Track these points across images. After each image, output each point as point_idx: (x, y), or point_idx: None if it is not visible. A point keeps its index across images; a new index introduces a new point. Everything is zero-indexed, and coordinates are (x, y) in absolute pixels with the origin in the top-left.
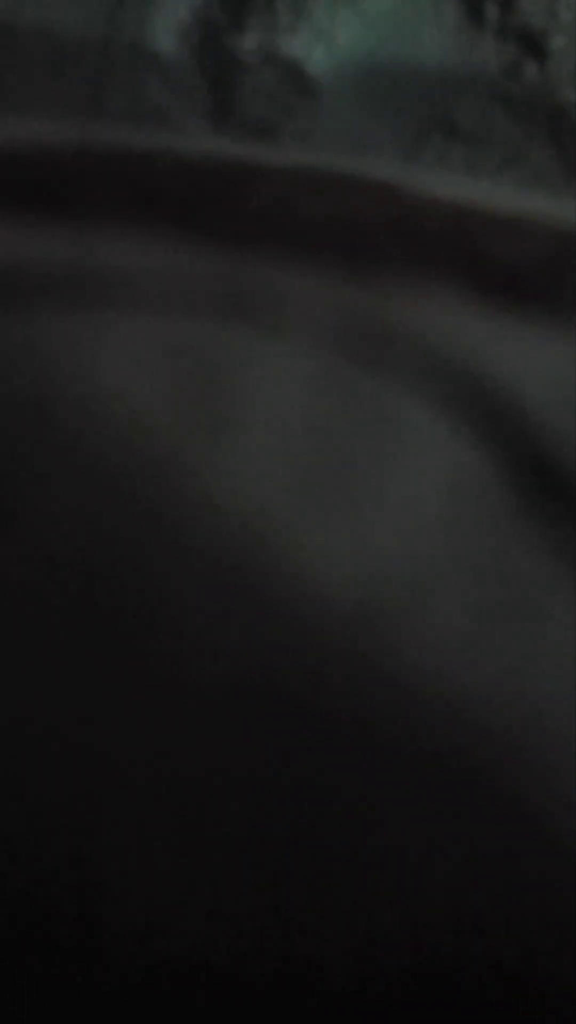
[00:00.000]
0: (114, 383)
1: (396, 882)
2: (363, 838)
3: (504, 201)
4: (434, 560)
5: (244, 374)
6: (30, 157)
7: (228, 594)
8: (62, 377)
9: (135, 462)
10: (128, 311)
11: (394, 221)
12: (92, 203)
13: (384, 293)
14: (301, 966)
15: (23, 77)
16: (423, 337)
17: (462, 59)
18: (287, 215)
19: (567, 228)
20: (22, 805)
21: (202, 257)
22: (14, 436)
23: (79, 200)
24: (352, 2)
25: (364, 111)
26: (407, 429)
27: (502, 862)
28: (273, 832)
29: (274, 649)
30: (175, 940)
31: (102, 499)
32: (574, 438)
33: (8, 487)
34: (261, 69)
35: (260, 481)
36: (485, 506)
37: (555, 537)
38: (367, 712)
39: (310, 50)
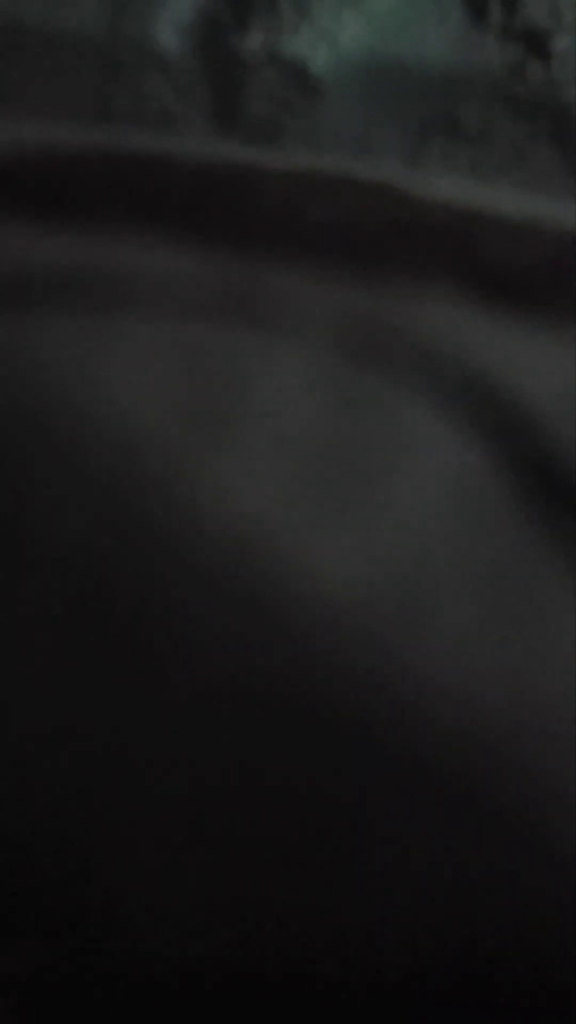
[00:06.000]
0: (118, 387)
1: (397, 887)
2: (364, 842)
3: (506, 203)
4: (437, 562)
5: (248, 377)
6: (36, 160)
7: (232, 599)
8: (67, 380)
9: (139, 466)
10: (133, 314)
11: (396, 223)
12: (97, 206)
13: (387, 295)
14: (299, 968)
15: (27, 77)
16: (426, 339)
17: (466, 59)
18: (291, 218)
19: (569, 230)
20: (29, 807)
21: (206, 260)
22: (18, 440)
23: (84, 203)
24: (356, 2)
25: (367, 111)
26: (410, 431)
27: (501, 868)
28: (274, 835)
29: (277, 654)
30: (177, 940)
31: (105, 504)
32: (575, 439)
33: (11, 492)
34: (264, 69)
35: (264, 484)
36: (487, 507)
37: (558, 538)
38: (370, 716)
39: (313, 50)
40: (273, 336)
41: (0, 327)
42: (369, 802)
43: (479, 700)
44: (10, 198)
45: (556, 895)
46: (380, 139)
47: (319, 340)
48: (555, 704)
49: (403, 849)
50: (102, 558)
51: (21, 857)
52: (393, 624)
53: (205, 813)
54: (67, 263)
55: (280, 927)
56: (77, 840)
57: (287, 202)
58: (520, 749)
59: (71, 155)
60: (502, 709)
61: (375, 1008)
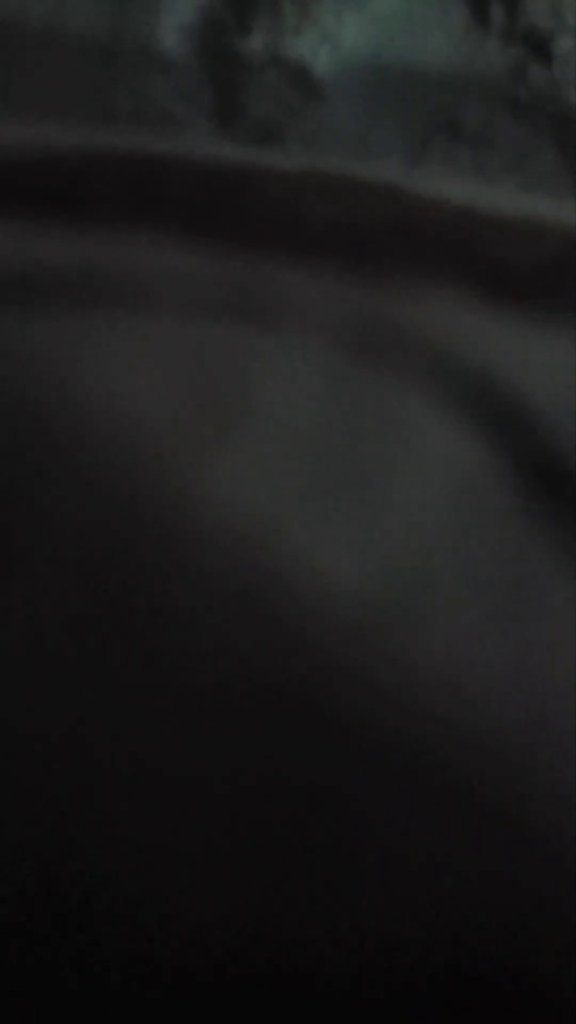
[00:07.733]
0: (121, 385)
1: (395, 885)
2: (363, 842)
3: (508, 203)
4: (439, 560)
5: (251, 376)
6: (38, 161)
7: (233, 598)
8: (69, 379)
9: (142, 464)
10: (136, 313)
11: (399, 223)
12: (99, 207)
13: (389, 295)
14: (298, 968)
15: (29, 77)
16: (428, 338)
17: (467, 61)
18: (293, 218)
19: (571, 230)
20: (31, 806)
21: (209, 259)
22: (20, 438)
23: (86, 204)
24: (358, 4)
25: (369, 113)
26: (412, 430)
27: (500, 866)
28: (272, 835)
29: (278, 651)
30: (178, 939)
31: (108, 502)
32: None
33: (13, 490)
34: (266, 70)
35: (266, 483)
36: (490, 506)
37: (559, 536)
38: (370, 713)
39: (316, 52)
40: (276, 335)
41: (3, 325)
42: (368, 799)
43: (480, 697)
44: (13, 198)
45: (554, 892)
46: (382, 140)
47: (322, 339)
48: (556, 701)
49: (402, 846)
50: (104, 556)
51: (25, 857)
52: (394, 621)
53: (205, 811)
54: (70, 262)
55: (279, 926)
56: (78, 840)
57: (290, 202)
58: (520, 747)
59: (73, 155)
60: (503, 706)
61: (374, 1008)
